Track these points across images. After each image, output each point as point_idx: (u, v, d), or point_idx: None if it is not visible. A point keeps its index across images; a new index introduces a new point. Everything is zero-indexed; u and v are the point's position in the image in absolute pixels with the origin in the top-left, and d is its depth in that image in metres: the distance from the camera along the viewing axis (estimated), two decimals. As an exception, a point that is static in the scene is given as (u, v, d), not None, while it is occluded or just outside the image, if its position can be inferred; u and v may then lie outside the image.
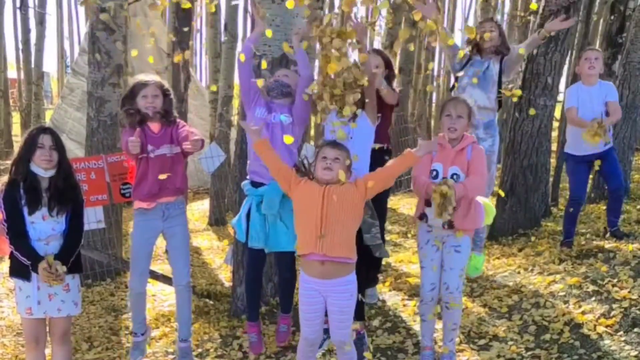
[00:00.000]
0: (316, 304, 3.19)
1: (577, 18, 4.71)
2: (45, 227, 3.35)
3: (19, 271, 3.36)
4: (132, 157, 3.76)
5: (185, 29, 7.69)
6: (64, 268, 3.29)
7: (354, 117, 3.64)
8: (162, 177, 3.64)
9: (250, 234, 3.72)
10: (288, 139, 3.41)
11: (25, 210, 3.31)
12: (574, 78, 5.17)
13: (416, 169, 3.54)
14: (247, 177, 3.85)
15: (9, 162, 3.46)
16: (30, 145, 3.35)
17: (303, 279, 3.23)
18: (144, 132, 3.70)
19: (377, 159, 4.33)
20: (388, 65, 4.22)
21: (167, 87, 3.90)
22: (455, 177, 3.42)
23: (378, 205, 3.82)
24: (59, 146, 3.42)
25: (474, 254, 4.89)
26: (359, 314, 3.81)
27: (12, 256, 3.39)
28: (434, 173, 3.48)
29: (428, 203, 3.45)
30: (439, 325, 3.93)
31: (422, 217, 3.53)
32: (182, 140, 3.68)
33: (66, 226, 3.42)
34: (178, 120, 3.86)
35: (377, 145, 4.24)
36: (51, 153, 3.36)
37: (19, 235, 3.30)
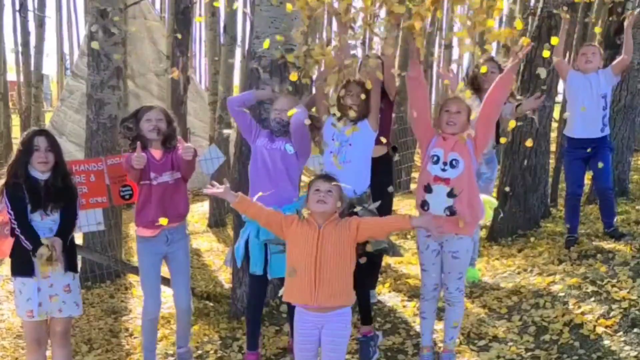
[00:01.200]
0: (311, 336, 3.13)
1: (544, 98, 4.78)
2: (42, 227, 3.38)
3: (21, 267, 3.38)
4: (134, 179, 3.73)
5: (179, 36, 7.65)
6: (57, 262, 3.34)
7: (355, 121, 3.66)
8: (163, 222, 3.59)
9: (251, 260, 3.71)
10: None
11: (29, 208, 3.35)
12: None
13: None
14: None
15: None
16: (26, 148, 3.39)
17: (298, 310, 3.18)
18: (147, 158, 3.65)
19: (385, 162, 4.36)
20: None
21: (172, 115, 3.90)
22: (454, 162, 3.38)
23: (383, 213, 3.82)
24: (54, 148, 3.45)
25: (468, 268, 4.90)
26: (367, 318, 3.81)
27: (13, 254, 3.42)
28: (435, 159, 3.43)
29: (428, 189, 3.43)
30: (438, 326, 3.94)
31: (424, 204, 3.45)
32: (179, 158, 3.69)
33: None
34: (177, 144, 3.80)
35: (382, 152, 4.27)
36: (47, 155, 3.40)
37: (24, 224, 3.34)
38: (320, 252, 3.04)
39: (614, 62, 5.10)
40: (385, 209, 3.98)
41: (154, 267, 3.82)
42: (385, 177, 4.37)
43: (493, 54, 5.20)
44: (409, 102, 3.62)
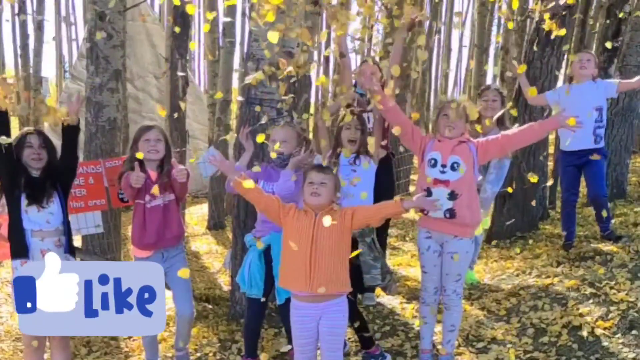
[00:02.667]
0: (309, 330, 3.13)
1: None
2: (39, 219, 3.39)
3: (17, 249, 3.42)
4: (130, 197, 3.69)
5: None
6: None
7: (357, 154, 3.68)
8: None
9: (250, 283, 3.66)
10: None
11: (23, 197, 3.40)
12: (570, 80, 5.17)
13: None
14: (252, 232, 3.79)
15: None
16: (19, 145, 3.45)
17: (294, 305, 3.18)
18: (145, 178, 3.63)
19: (385, 164, 4.36)
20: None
21: (168, 137, 3.87)
22: (455, 165, 3.38)
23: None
24: (48, 146, 3.48)
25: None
26: (368, 341, 3.80)
27: (10, 237, 3.45)
28: (432, 162, 3.42)
29: (428, 193, 3.41)
30: (437, 328, 3.94)
31: (424, 208, 3.42)
32: (173, 179, 3.66)
33: (63, 218, 3.48)
34: (172, 163, 3.77)
35: (382, 155, 4.26)
36: (40, 151, 3.44)
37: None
38: (315, 240, 3.05)
39: (625, 82, 5.00)
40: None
41: None
42: (386, 179, 4.37)
43: (491, 56, 5.20)
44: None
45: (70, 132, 3.56)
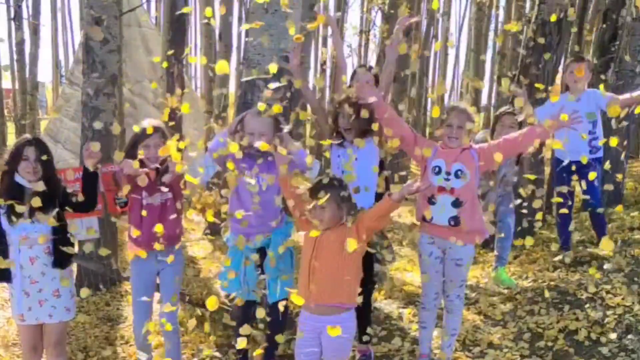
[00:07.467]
0: (312, 340, 3.12)
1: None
2: (25, 225, 3.33)
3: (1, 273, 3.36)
4: (126, 189, 3.62)
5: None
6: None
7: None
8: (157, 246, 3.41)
9: (248, 286, 3.59)
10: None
11: (4, 219, 3.32)
12: (567, 87, 5.17)
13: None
14: (230, 229, 3.69)
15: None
16: (14, 157, 3.37)
17: (302, 312, 3.19)
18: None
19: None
20: (378, 81, 4.20)
21: (168, 135, 3.74)
22: (459, 172, 3.36)
23: None
24: (45, 159, 3.40)
25: (500, 268, 4.91)
26: (365, 335, 3.78)
27: None
28: (437, 169, 3.40)
29: (431, 201, 3.41)
30: (435, 332, 3.94)
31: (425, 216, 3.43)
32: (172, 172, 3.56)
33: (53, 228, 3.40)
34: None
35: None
36: (36, 165, 3.35)
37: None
38: (317, 253, 3.04)
39: (615, 98, 4.89)
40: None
41: (144, 288, 3.74)
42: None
43: (488, 60, 5.20)
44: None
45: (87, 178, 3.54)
